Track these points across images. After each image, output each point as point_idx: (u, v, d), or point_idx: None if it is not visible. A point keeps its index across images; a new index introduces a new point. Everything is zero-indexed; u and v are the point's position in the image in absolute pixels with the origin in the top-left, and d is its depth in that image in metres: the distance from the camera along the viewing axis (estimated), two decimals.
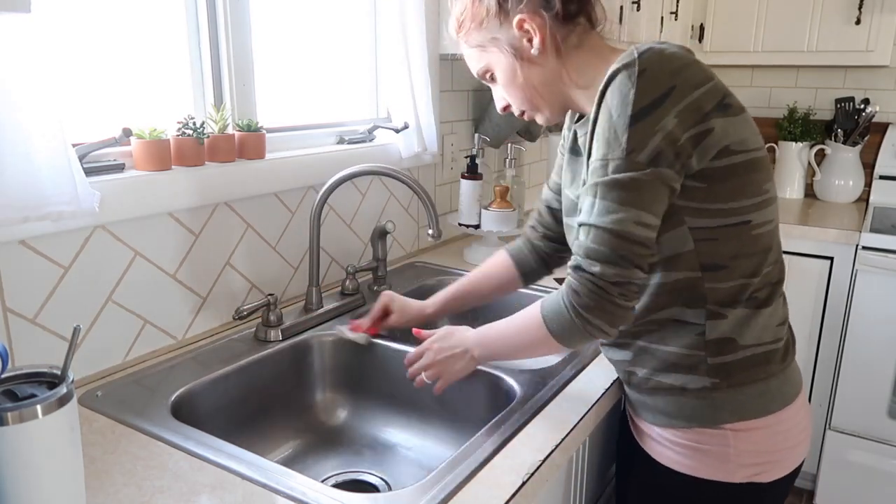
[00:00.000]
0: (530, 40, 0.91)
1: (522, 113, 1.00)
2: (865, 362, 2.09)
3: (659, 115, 0.78)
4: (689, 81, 0.80)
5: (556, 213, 1.14)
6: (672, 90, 0.79)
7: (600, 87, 0.84)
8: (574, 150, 1.00)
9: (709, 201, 0.83)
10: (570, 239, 0.99)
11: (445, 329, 1.06)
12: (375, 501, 0.77)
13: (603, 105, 0.83)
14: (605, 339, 0.84)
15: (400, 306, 1.20)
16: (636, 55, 0.80)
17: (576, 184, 0.98)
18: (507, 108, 1.00)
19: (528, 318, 0.92)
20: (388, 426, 1.17)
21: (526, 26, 0.90)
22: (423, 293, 1.49)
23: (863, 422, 2.14)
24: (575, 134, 0.99)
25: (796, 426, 0.93)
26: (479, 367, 1.04)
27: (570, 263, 0.85)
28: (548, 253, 1.17)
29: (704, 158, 0.81)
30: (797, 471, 0.96)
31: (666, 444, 0.94)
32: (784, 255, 0.95)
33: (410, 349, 1.14)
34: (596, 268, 0.81)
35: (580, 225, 0.84)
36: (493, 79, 0.98)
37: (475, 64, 0.98)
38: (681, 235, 0.85)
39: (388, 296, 1.21)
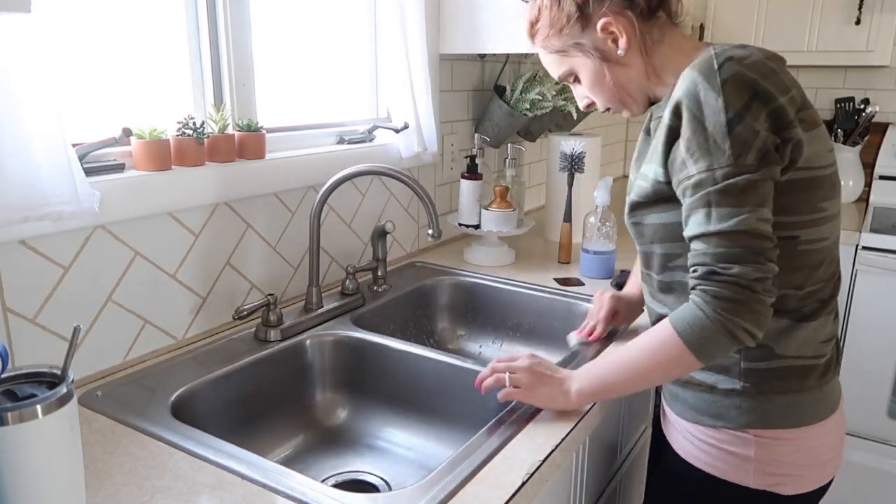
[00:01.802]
0: (615, 41, 0.91)
1: (607, 109, 1.00)
2: (865, 362, 2.09)
3: (752, 119, 0.79)
4: (770, 89, 0.81)
5: None
6: (755, 97, 0.80)
7: (676, 91, 0.84)
8: (647, 130, 0.99)
9: None
10: (627, 221, 0.97)
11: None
12: (375, 501, 0.77)
13: (685, 113, 0.82)
14: (748, 345, 0.82)
15: (626, 305, 1.23)
16: (716, 66, 0.81)
17: (638, 163, 0.98)
18: (590, 105, 1.01)
19: (653, 339, 0.87)
20: (388, 426, 1.17)
21: (612, 28, 0.90)
22: (423, 293, 1.50)
23: (863, 422, 2.14)
24: (650, 115, 0.99)
25: (826, 444, 0.92)
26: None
27: (696, 275, 0.83)
28: None
29: (783, 161, 0.82)
30: (823, 490, 0.94)
31: (689, 439, 0.95)
32: None
33: (411, 349, 1.15)
34: (734, 269, 0.80)
35: (698, 237, 0.82)
36: (577, 80, 0.98)
37: (556, 68, 0.99)
38: None
39: (613, 298, 1.22)
